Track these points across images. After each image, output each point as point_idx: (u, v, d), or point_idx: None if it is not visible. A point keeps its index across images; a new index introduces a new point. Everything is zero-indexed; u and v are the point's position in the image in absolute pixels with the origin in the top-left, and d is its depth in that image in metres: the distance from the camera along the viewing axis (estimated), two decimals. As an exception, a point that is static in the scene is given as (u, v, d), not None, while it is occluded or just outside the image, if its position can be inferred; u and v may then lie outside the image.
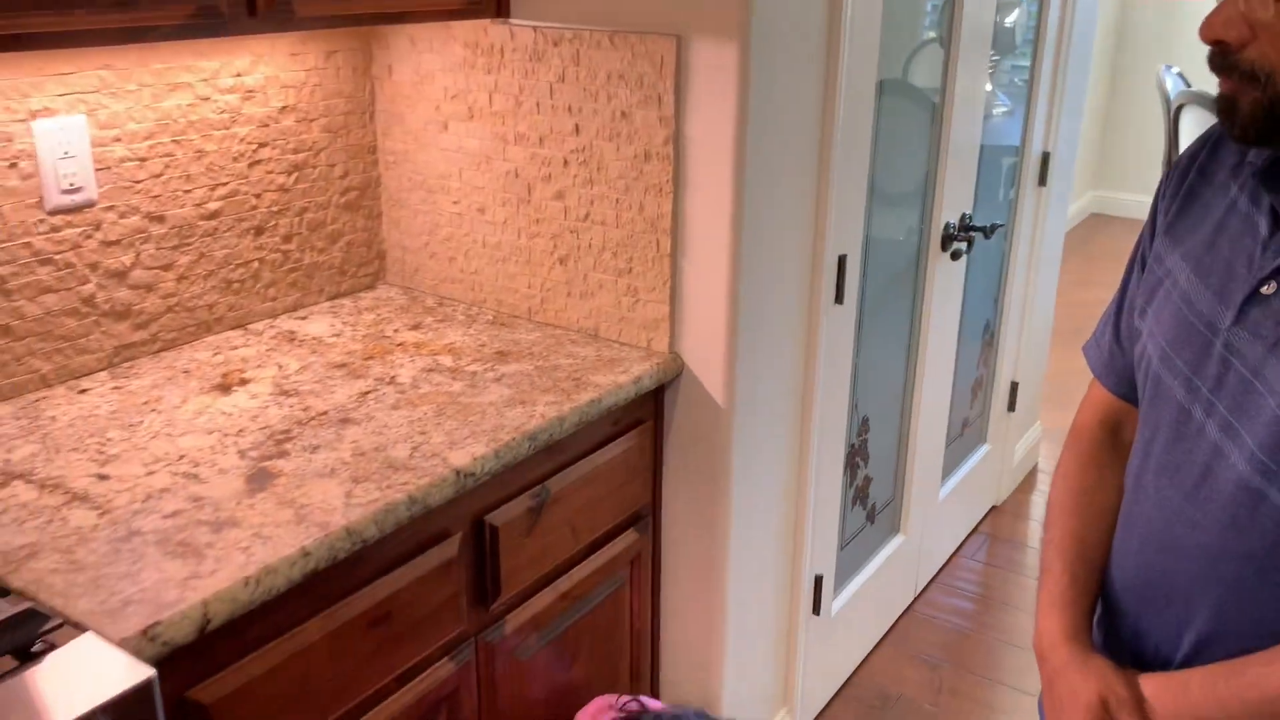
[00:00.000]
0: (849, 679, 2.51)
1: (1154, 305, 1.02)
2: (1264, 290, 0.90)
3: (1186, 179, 1.04)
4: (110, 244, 1.60)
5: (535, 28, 1.71)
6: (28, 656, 0.97)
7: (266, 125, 1.77)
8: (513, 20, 1.73)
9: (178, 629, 1.04)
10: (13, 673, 0.96)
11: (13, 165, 1.46)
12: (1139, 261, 1.09)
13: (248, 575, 1.11)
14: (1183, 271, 0.99)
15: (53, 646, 0.99)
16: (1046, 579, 1.09)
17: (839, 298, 1.97)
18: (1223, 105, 0.89)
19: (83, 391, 1.55)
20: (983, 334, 2.93)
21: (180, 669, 1.08)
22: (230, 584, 1.09)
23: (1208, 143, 1.03)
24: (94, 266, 1.58)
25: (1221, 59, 0.88)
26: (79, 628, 1.01)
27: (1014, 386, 3.14)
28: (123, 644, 1.00)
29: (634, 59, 1.63)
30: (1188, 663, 0.96)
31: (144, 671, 0.96)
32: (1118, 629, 1.05)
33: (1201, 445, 0.93)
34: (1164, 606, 0.98)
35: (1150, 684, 0.96)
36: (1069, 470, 1.14)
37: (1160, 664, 0.99)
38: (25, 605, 0.98)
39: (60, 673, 0.96)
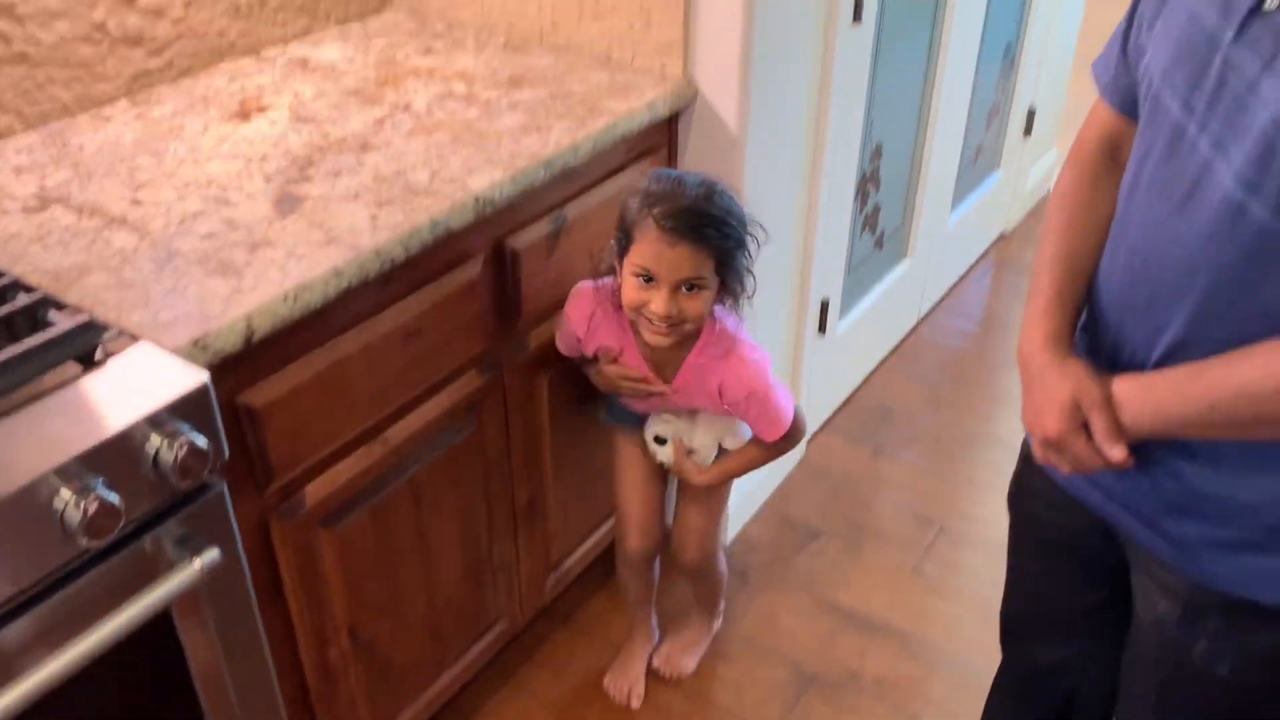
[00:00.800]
0: (852, 394, 2.66)
1: (1161, 19, 1.02)
2: (1266, 5, 0.90)
3: None
4: (114, -34, 1.57)
5: None
6: (91, 363, 1.06)
7: None
8: None
9: (225, 339, 1.13)
10: (80, 377, 1.05)
11: (6, -119, 1.42)
12: None
13: (286, 291, 1.19)
14: None
15: (111, 354, 1.07)
16: (1035, 291, 1.16)
17: (857, 16, 1.93)
18: None
19: (106, 119, 1.58)
20: (1003, 57, 2.86)
21: (230, 376, 1.18)
22: (270, 299, 1.17)
23: None
24: (100, -10, 1.57)
25: None
26: (134, 338, 1.10)
27: (1031, 112, 3.10)
28: (175, 352, 1.09)
29: None
30: (1159, 366, 1.04)
31: (200, 375, 1.05)
32: (1100, 337, 1.12)
33: (1193, 161, 0.96)
34: (1143, 315, 1.04)
35: (1120, 385, 1.04)
36: (1065, 187, 1.18)
37: (1135, 368, 1.07)
38: (84, 317, 1.06)
39: (123, 377, 1.05)
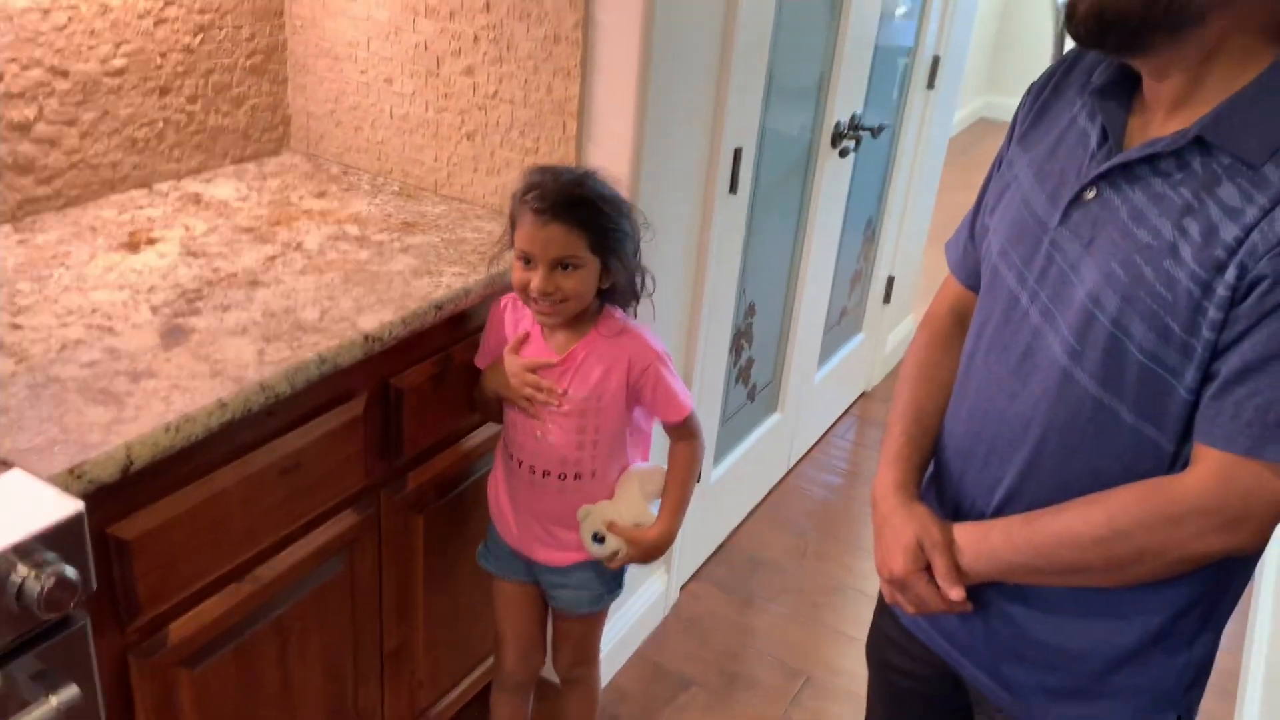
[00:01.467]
0: (724, 542, 2.72)
1: (1001, 205, 1.16)
2: (1086, 195, 1.04)
3: (1043, 94, 1.17)
4: (13, 96, 1.59)
5: (450, -98, 1.73)
6: (-41, 490, 1.03)
7: (172, -18, 1.76)
8: (427, -108, 1.74)
9: (103, 468, 1.12)
10: (-55, 504, 1.02)
11: (-90, 8, 1.44)
12: (997, 165, 1.22)
13: (168, 422, 1.18)
14: (1027, 176, 1.12)
15: (-18, 481, 1.05)
16: (887, 439, 1.26)
17: (733, 188, 2.08)
18: (1066, 11, 1.01)
19: (-14, 243, 1.56)
20: (865, 229, 3.09)
21: (103, 507, 1.15)
22: (152, 429, 1.17)
23: (1065, 63, 1.16)
24: (-5, 117, 1.58)
25: None
26: (6, 464, 1.07)
27: (890, 281, 3.32)
28: (50, 480, 1.07)
29: (547, -58, 1.66)
30: (996, 515, 1.13)
31: (73, 505, 1.03)
32: (944, 487, 1.22)
33: (1025, 328, 1.09)
34: (982, 467, 1.15)
35: (960, 530, 1.14)
36: (918, 347, 1.30)
37: (975, 516, 1.16)
38: (-44, 441, 1.04)
39: (-8, 504, 1.02)
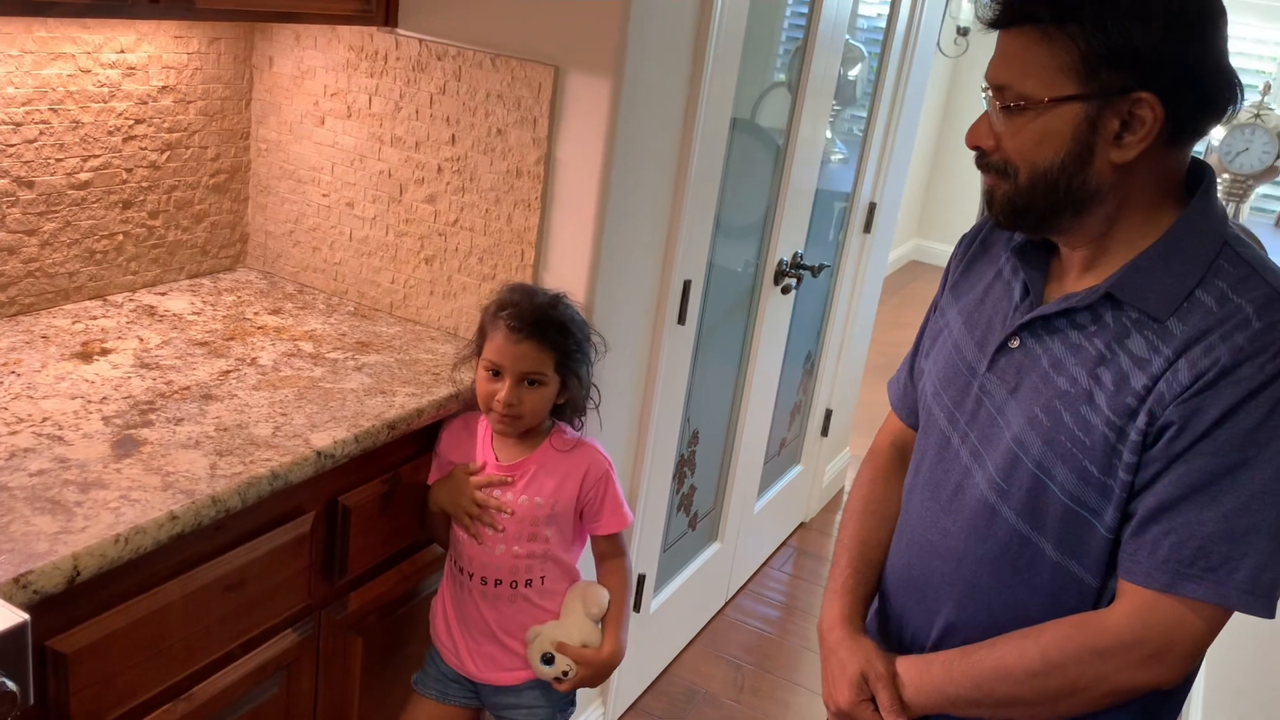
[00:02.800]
0: (660, 674, 2.69)
1: (935, 350, 1.23)
2: (1010, 344, 1.12)
3: (972, 247, 1.27)
4: (-25, 203, 1.60)
5: (421, 40, 1.82)
6: (-102, 597, 1.00)
7: (144, 103, 1.80)
8: (399, 30, 1.83)
9: (49, 579, 1.10)
10: (-120, 612, 0.99)
11: (-117, 116, 1.46)
12: (932, 310, 1.30)
13: (118, 533, 1.17)
14: (957, 323, 1.20)
15: (-79, 590, 1.02)
16: (833, 571, 1.29)
17: (681, 319, 2.14)
18: (985, 197, 1.11)
19: (-66, 348, 1.55)
20: (804, 363, 3.18)
21: (43, 619, 1.13)
22: (100, 540, 1.15)
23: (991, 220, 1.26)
24: (-44, 224, 1.59)
25: (981, 160, 1.11)
26: (-51, 573, 1.05)
27: (828, 414, 3.40)
28: (-6, 590, 1.05)
29: (513, 82, 1.75)
30: (936, 647, 1.17)
31: (18, 615, 1.01)
32: (887, 619, 1.26)
33: (956, 467, 1.15)
34: (920, 600, 1.19)
35: (903, 663, 1.17)
36: (862, 482, 1.35)
37: (917, 649, 1.20)
38: (-101, 548, 1.02)
39: (-70, 614, 1.00)
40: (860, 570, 1.28)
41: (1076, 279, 1.11)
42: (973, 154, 1.12)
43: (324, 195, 2.00)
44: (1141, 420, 1.01)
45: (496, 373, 1.55)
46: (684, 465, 2.50)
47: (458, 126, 1.82)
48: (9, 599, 1.05)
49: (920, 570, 1.19)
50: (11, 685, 0.97)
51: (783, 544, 3.41)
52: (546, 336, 1.54)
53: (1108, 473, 1.04)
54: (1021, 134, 1.05)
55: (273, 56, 1.97)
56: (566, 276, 1.81)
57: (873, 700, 1.16)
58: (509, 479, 1.59)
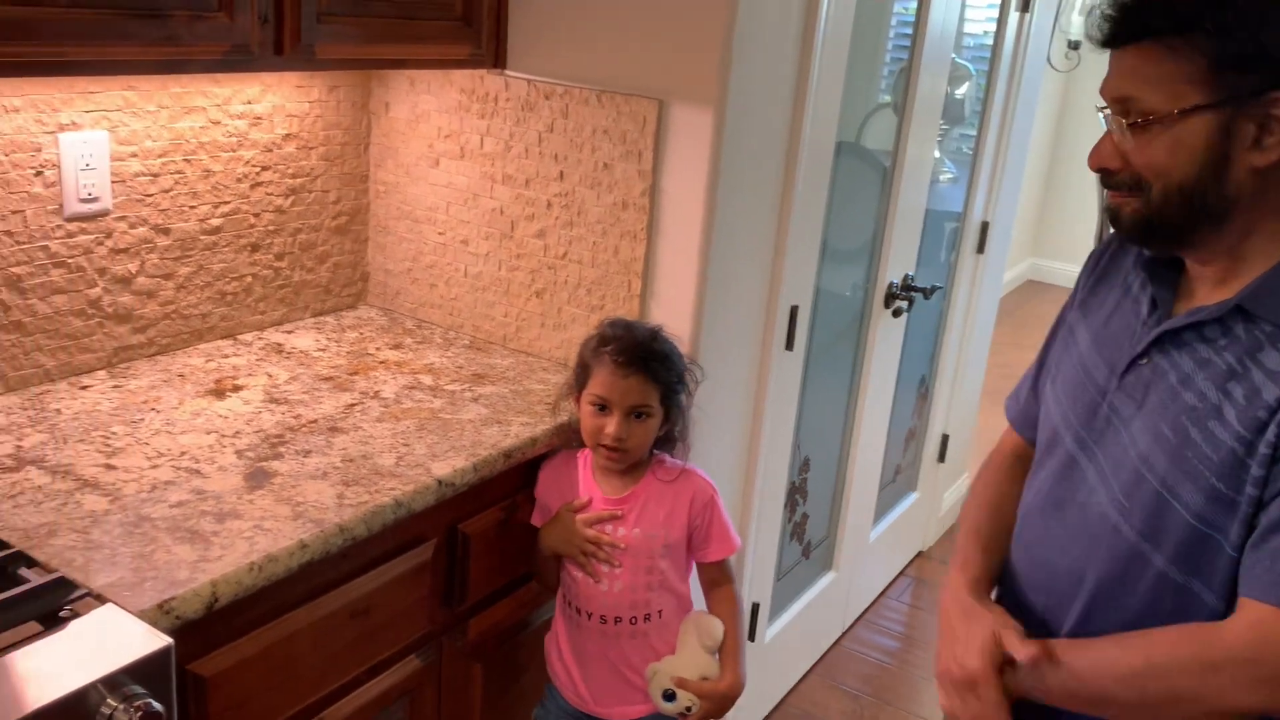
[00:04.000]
0: (777, 705, 2.66)
1: (1061, 368, 1.20)
2: (1139, 361, 1.09)
3: (1100, 263, 1.24)
4: (119, 252, 1.70)
5: (529, 81, 1.87)
6: (55, 622, 1.07)
7: (270, 150, 1.90)
8: (509, 72, 1.89)
9: (189, 605, 1.15)
10: (39, 636, 1.06)
11: (39, 173, 1.57)
12: (1058, 329, 1.27)
13: (252, 561, 1.23)
14: (1085, 341, 1.18)
15: (76, 615, 1.09)
16: (956, 553, 1.27)
17: (789, 345, 2.14)
18: (1110, 214, 1.09)
19: (84, 388, 1.65)
20: (918, 387, 3.12)
21: (183, 644, 1.18)
22: (236, 568, 1.21)
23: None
24: (102, 272, 1.69)
25: (1108, 178, 1.08)
26: (100, 599, 1.12)
27: (945, 439, 3.33)
28: (140, 615, 1.11)
29: (619, 117, 1.78)
30: None
31: (162, 639, 1.07)
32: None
33: (1081, 486, 1.12)
34: (1037, 617, 1.16)
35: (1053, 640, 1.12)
36: (983, 480, 1.35)
37: None
38: (55, 575, 1.09)
39: (84, 638, 1.06)
40: (986, 546, 1.26)
41: (1208, 293, 1.08)
42: (1093, 172, 1.09)
43: (439, 234, 2.06)
44: (1272, 433, 0.98)
45: (603, 407, 1.56)
46: (795, 492, 2.48)
47: (565, 162, 1.86)
48: (153, 624, 1.11)
49: (1039, 587, 1.16)
50: (158, 705, 1.02)
51: (900, 573, 3.34)
52: (651, 369, 1.55)
53: (1235, 489, 1.00)
54: (1150, 149, 1.03)
55: (389, 102, 2.05)
56: (673, 305, 1.82)
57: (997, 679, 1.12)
58: (619, 513, 1.60)
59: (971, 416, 3.56)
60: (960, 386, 3.32)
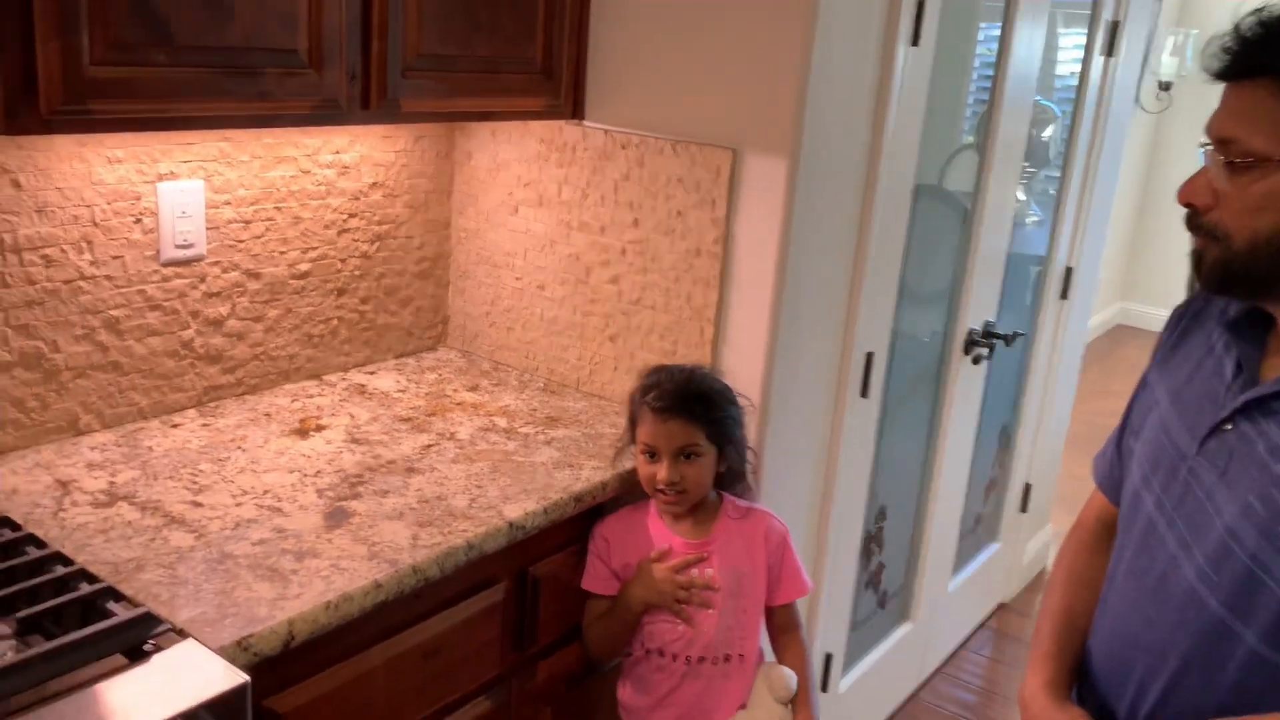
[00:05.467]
0: (851, 758, 2.60)
1: (1143, 428, 1.17)
2: (1224, 427, 1.05)
3: (1183, 320, 1.20)
4: (212, 295, 1.78)
5: (606, 131, 1.90)
6: (140, 655, 1.11)
7: (357, 198, 1.96)
8: (586, 123, 1.93)
9: (267, 642, 1.19)
10: (124, 669, 1.10)
11: (138, 220, 1.65)
12: (1141, 386, 1.24)
13: (328, 600, 1.26)
14: (1165, 402, 1.14)
15: (159, 649, 1.13)
16: (1036, 639, 1.24)
17: (864, 391, 2.12)
18: (1193, 259, 1.06)
19: (175, 426, 1.72)
20: (999, 436, 3.06)
21: (260, 680, 1.22)
22: (313, 607, 1.24)
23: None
24: (195, 314, 1.76)
25: (1192, 219, 1.05)
26: (182, 634, 1.15)
27: (1027, 488, 3.25)
28: (220, 651, 1.14)
29: (693, 166, 1.81)
30: None
31: (240, 676, 1.10)
32: (1085, 704, 1.18)
33: (1162, 554, 1.08)
34: (1121, 692, 1.12)
35: None
36: (1067, 551, 1.30)
37: None
38: (141, 610, 1.13)
39: (166, 672, 1.10)
40: (1064, 641, 1.22)
41: None
42: (1181, 212, 1.06)
43: (517, 279, 2.10)
44: None
45: (653, 454, 1.60)
46: (871, 541, 2.45)
47: (640, 210, 1.89)
48: (232, 660, 1.14)
49: (1122, 660, 1.12)
50: (233, 740, 1.05)
51: (981, 625, 3.26)
52: (691, 410, 1.59)
53: None
54: (1245, 194, 0.99)
55: (471, 151, 2.11)
56: (745, 351, 1.83)
57: None
58: (704, 555, 1.61)
59: (1055, 466, 3.47)
60: (1044, 435, 3.24)
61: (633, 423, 1.64)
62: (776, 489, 1.92)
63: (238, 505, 1.47)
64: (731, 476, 1.67)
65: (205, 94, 1.34)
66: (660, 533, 1.64)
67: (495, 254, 2.12)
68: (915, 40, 1.93)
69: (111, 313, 1.65)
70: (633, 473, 1.69)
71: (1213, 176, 1.02)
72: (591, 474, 1.67)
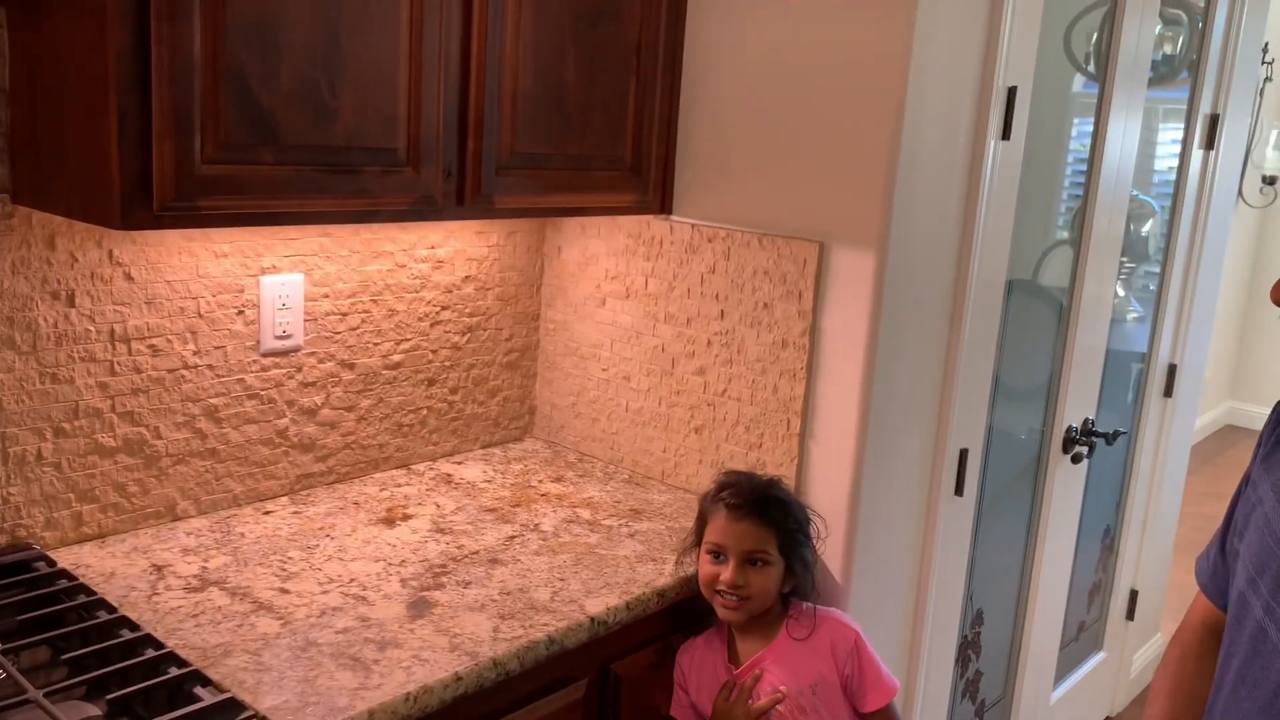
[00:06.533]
0: None
1: (1249, 528, 1.10)
2: None
3: None
4: (307, 385, 1.82)
5: (693, 225, 1.92)
6: (222, 741, 1.11)
7: (450, 291, 2.01)
8: (674, 217, 1.95)
9: (346, 732, 1.18)
10: (207, 754, 1.10)
11: (240, 312, 1.71)
12: (1244, 484, 1.18)
13: (408, 692, 1.25)
14: (1270, 501, 1.07)
15: (241, 735, 1.13)
16: None
17: (959, 490, 2.06)
18: None
19: (267, 513, 1.75)
20: (1103, 538, 2.93)
21: (339, 771, 1.21)
22: (393, 698, 1.23)
23: None
24: (291, 404, 1.81)
25: None
26: (263, 721, 1.15)
27: (1134, 594, 3.09)
28: (299, 740, 1.14)
29: (779, 258, 1.81)
30: None
31: (317, 766, 1.09)
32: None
33: (1276, 663, 1.00)
34: None
35: None
36: (1170, 660, 1.22)
37: None
38: (226, 695, 1.14)
39: (246, 759, 1.10)
40: None
41: None
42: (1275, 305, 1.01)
43: (603, 370, 2.11)
44: None
45: (719, 555, 1.55)
46: (967, 648, 2.35)
47: (726, 302, 1.89)
48: (311, 749, 1.13)
49: None
50: (308, 833, 1.04)
51: (1086, 740, 3.07)
52: (768, 514, 1.55)
53: None
54: None
55: (561, 246, 2.15)
56: (832, 444, 1.79)
57: None
58: (758, 673, 1.57)
59: (1164, 571, 3.30)
60: (1150, 539, 3.10)
61: (701, 521, 1.60)
62: (868, 590, 1.86)
63: (324, 593, 1.48)
64: (798, 595, 1.61)
65: (307, 191, 1.40)
66: (722, 660, 1.61)
67: (582, 345, 2.14)
68: (1006, 134, 1.92)
69: (211, 401, 1.70)
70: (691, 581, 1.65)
71: None
72: (675, 569, 1.65)
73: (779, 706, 1.54)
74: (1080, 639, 2.93)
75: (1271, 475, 1.11)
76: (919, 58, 1.67)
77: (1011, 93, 1.89)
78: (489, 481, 1.97)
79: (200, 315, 1.66)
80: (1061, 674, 2.82)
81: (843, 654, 1.56)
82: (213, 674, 1.24)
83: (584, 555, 1.67)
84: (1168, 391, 2.98)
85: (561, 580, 1.58)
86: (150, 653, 1.24)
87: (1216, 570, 1.20)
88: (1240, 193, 3.15)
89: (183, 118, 1.26)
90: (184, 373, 1.66)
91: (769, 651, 1.58)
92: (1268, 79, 4.85)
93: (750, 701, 1.55)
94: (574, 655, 1.49)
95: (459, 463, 2.06)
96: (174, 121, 1.25)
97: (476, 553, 1.65)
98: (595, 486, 1.99)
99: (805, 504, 1.65)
